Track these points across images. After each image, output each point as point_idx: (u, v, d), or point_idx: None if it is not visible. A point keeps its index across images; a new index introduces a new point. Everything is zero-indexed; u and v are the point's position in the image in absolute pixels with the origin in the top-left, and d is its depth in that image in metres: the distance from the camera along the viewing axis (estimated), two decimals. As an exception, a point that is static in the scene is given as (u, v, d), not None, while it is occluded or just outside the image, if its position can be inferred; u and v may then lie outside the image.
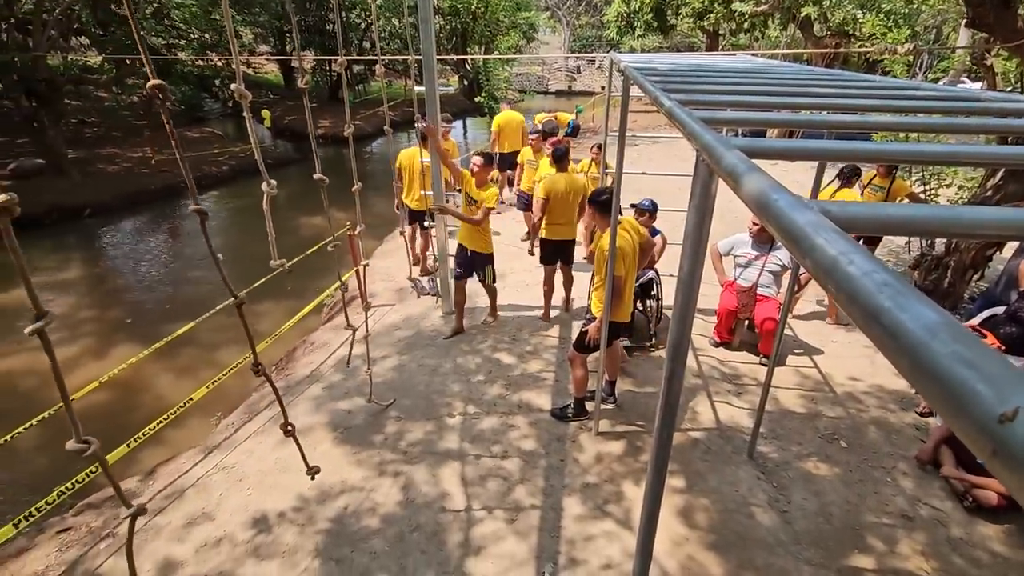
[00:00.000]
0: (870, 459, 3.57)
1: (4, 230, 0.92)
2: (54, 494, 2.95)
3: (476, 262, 4.80)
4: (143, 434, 3.44)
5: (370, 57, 15.83)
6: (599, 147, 5.82)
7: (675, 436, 3.76)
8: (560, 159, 5.00)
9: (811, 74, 2.24)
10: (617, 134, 2.96)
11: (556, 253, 5.11)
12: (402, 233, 5.73)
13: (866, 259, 0.38)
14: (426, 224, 5.72)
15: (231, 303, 1.63)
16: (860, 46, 10.65)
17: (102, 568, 2.86)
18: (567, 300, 5.49)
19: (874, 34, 8.11)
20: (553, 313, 5.34)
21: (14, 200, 0.91)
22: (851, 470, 3.48)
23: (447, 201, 5.11)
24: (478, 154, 4.61)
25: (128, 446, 3.36)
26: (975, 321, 4.04)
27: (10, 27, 10.95)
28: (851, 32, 11.73)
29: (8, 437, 3.17)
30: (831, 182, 5.27)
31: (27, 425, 3.28)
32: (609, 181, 5.84)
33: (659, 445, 1.26)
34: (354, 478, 3.41)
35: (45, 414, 3.41)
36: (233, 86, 1.72)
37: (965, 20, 4.77)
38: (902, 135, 5.33)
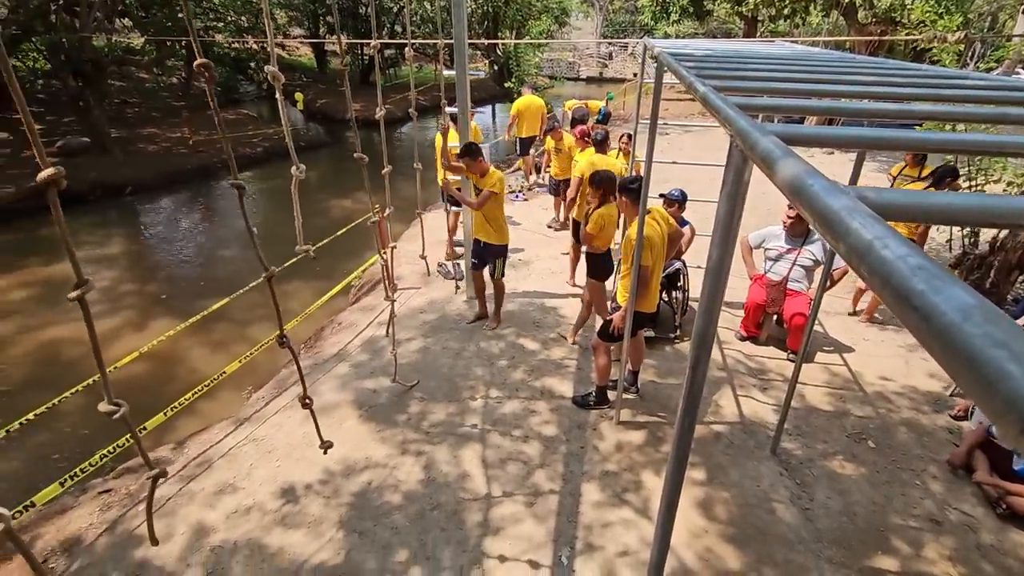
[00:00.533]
0: (899, 460, 3.50)
1: (52, 202, 0.98)
2: (97, 456, 3.11)
3: (488, 253, 4.71)
4: (178, 404, 3.58)
5: (401, 41, 15.87)
6: (629, 137, 5.78)
7: (697, 428, 3.73)
8: (601, 143, 5.08)
9: (853, 62, 2.17)
10: (648, 122, 2.92)
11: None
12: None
13: (901, 243, 0.38)
14: (450, 207, 5.86)
15: (263, 277, 1.69)
16: (907, 33, 10.19)
17: (139, 530, 3.01)
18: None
19: (923, 21, 7.74)
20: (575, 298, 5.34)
21: (62, 173, 0.96)
22: (878, 471, 3.41)
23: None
24: (463, 152, 4.38)
25: (165, 415, 3.51)
26: (1019, 323, 3.89)
27: (59, 8, 11.30)
28: (898, 19, 11.21)
29: (56, 401, 3.34)
30: (927, 185, 4.85)
31: (73, 390, 3.45)
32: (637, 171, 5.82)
33: (681, 434, 1.27)
34: (378, 455, 3.49)
35: (90, 380, 3.58)
36: (267, 68, 1.75)
37: (1023, 7, 4.51)
38: (948, 126, 5.09)
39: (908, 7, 10.41)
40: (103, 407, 1.18)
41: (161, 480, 1.34)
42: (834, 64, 2.07)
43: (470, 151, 4.37)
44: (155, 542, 1.45)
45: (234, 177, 1.43)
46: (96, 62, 11.32)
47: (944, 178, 4.75)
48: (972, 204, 0.49)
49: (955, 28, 6.67)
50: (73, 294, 1.07)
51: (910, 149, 0.82)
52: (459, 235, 6.22)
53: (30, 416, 3.23)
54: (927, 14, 7.33)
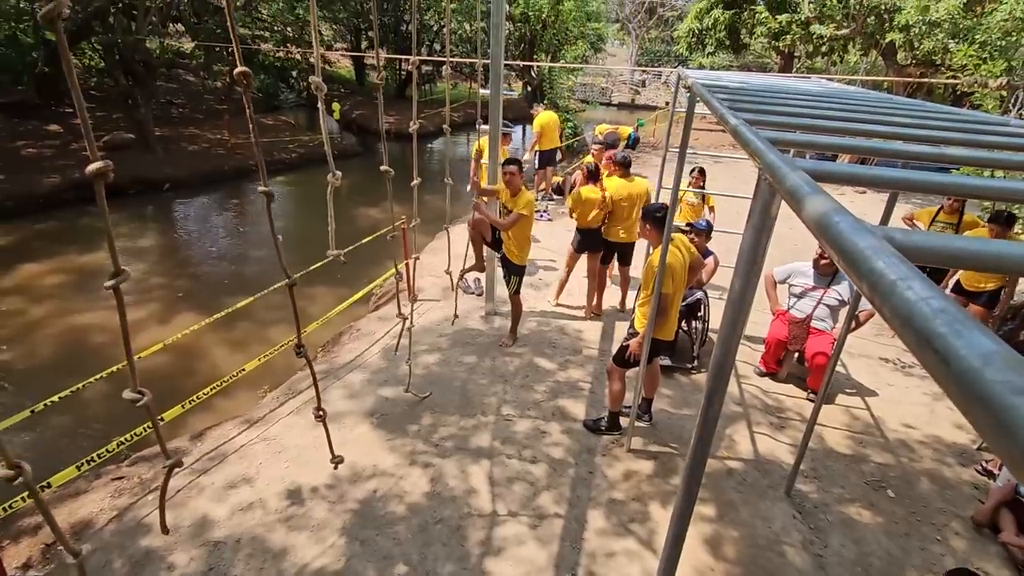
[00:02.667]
0: (919, 513, 3.36)
1: (98, 193, 1.02)
2: (114, 443, 3.18)
3: (506, 267, 4.76)
4: (196, 398, 3.64)
5: (439, 58, 16.24)
6: (701, 171, 5.74)
7: (709, 463, 3.66)
8: (625, 166, 5.27)
9: (889, 102, 2.15)
10: (678, 150, 2.93)
11: (611, 252, 5.38)
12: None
13: (925, 286, 0.38)
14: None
15: (284, 284, 1.71)
16: (948, 77, 10.06)
17: (148, 518, 3.05)
18: (623, 300, 5.73)
19: (965, 65, 7.64)
20: (592, 317, 5.32)
21: (109, 167, 1.01)
22: (897, 522, 3.28)
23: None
24: (508, 161, 4.51)
25: (183, 407, 3.57)
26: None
27: (117, 11, 11.88)
28: (939, 62, 11.09)
29: (80, 386, 3.43)
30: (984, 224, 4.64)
31: (96, 377, 3.54)
32: (707, 211, 5.87)
33: (692, 466, 1.25)
34: (386, 464, 3.50)
35: (114, 368, 3.67)
36: (311, 78, 1.82)
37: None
38: (986, 172, 4.99)
39: (950, 51, 10.30)
40: (128, 394, 1.21)
41: (177, 470, 1.36)
42: (870, 103, 2.06)
43: (517, 162, 4.53)
44: (166, 531, 1.47)
45: (264, 184, 1.44)
46: (147, 63, 11.83)
47: (1000, 220, 4.57)
48: (1000, 250, 0.49)
49: (998, 74, 6.56)
50: (109, 282, 1.12)
51: (943, 193, 0.81)
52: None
53: (55, 398, 3.32)
54: (970, 58, 7.23)
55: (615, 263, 5.58)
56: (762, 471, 3.62)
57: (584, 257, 5.44)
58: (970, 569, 2.78)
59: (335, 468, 2.32)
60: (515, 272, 4.72)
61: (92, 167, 1.00)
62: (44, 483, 2.91)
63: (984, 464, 3.75)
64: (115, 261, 1.12)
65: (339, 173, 1.92)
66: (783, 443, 3.90)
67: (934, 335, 0.33)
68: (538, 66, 15.76)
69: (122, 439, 3.19)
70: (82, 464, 3.00)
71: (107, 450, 3.08)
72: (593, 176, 5.20)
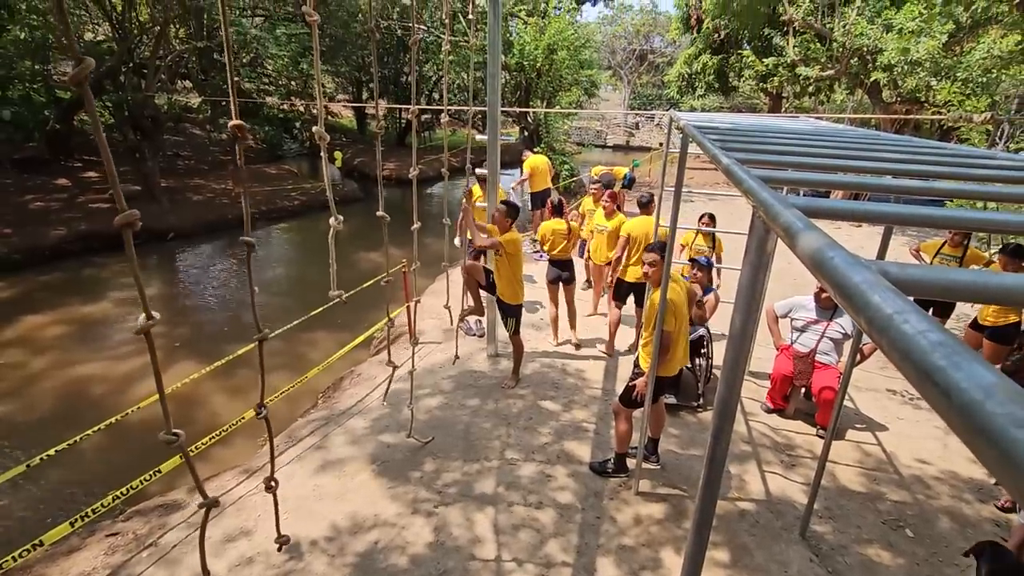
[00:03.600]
0: (940, 553, 3.24)
1: (127, 241, 1.06)
2: (109, 497, 3.10)
3: (500, 309, 4.82)
4: (194, 448, 3.58)
5: (437, 107, 16.77)
6: (711, 217, 5.77)
7: (721, 505, 3.56)
8: (646, 205, 5.57)
9: (877, 138, 2.21)
10: (673, 189, 2.98)
11: (629, 292, 5.42)
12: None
13: (921, 318, 0.38)
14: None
15: (254, 340, 1.64)
16: (933, 113, 10.34)
17: (143, 575, 2.95)
18: (637, 340, 5.64)
19: (949, 101, 7.87)
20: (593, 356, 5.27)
21: (136, 215, 1.04)
22: (918, 563, 3.16)
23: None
24: (502, 202, 4.71)
25: (181, 458, 3.50)
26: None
27: (128, 71, 12.36)
28: (923, 99, 11.43)
29: (78, 439, 3.38)
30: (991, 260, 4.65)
31: (93, 429, 3.49)
32: (714, 257, 5.95)
33: (702, 507, 1.21)
34: (388, 513, 3.40)
35: (114, 419, 3.63)
36: (315, 128, 1.88)
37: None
38: (979, 204, 5.06)
39: (934, 88, 10.63)
40: (163, 436, 1.24)
41: (214, 511, 1.34)
42: (859, 140, 2.11)
43: (513, 209, 4.68)
44: (207, 573, 1.45)
45: (246, 234, 1.45)
46: (155, 119, 12.21)
47: (1007, 251, 4.56)
48: (995, 282, 0.49)
49: (982, 109, 6.75)
50: (139, 326, 1.15)
51: (932, 226, 0.82)
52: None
53: (51, 452, 3.27)
54: (953, 95, 7.45)
55: (631, 302, 5.56)
56: (775, 512, 3.51)
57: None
58: (996, 541, 2.71)
59: (279, 550, 2.13)
60: (510, 313, 4.74)
61: (120, 218, 1.04)
62: (37, 541, 2.83)
63: (1003, 502, 3.64)
64: (145, 306, 1.16)
65: (340, 218, 1.96)
66: (795, 482, 3.80)
67: (933, 368, 0.33)
68: (534, 112, 16.26)
69: (118, 493, 3.12)
70: (75, 520, 2.92)
71: (102, 504, 3.00)
72: (557, 210, 5.64)
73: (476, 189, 6.54)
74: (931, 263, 5.14)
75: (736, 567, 3.08)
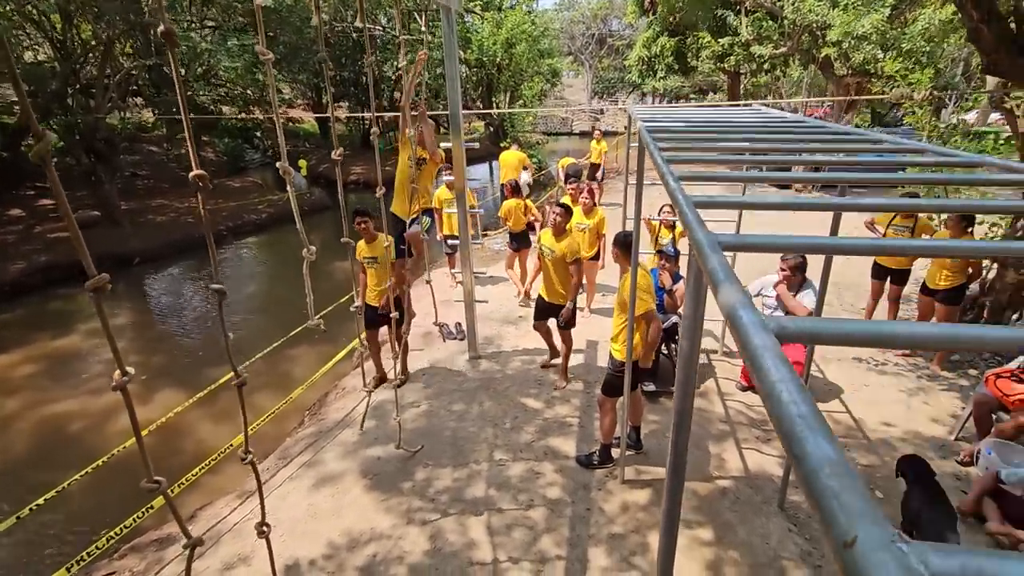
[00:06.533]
0: (908, 511, 3.46)
1: (97, 306, 1.11)
2: (103, 538, 3.11)
3: (545, 310, 4.97)
4: (184, 480, 3.59)
5: (396, 113, 16.68)
6: (671, 207, 5.95)
7: (703, 484, 3.72)
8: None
9: (815, 127, 2.34)
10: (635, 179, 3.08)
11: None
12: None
13: (796, 390, 0.48)
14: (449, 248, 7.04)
15: (233, 384, 1.54)
16: (879, 90, 10.72)
17: (143, 613, 2.97)
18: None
19: (893, 76, 8.19)
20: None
21: (106, 279, 1.09)
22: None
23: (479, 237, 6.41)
24: (559, 204, 4.88)
25: (171, 492, 3.51)
26: (1012, 366, 3.94)
27: (75, 91, 11.96)
28: (872, 72, 11.81)
29: (66, 485, 3.36)
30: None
31: (81, 473, 3.47)
32: (685, 245, 6.10)
33: (671, 491, 1.25)
34: (383, 525, 3.47)
35: (100, 461, 3.61)
36: (279, 164, 1.91)
37: (981, 67, 4.82)
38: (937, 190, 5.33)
39: (880, 61, 10.99)
40: (145, 484, 1.26)
41: (199, 549, 1.38)
42: (805, 132, 2.24)
43: (570, 210, 5.00)
44: None
45: (216, 281, 1.40)
46: (109, 140, 11.88)
47: (956, 220, 4.83)
48: (865, 330, 0.60)
49: (926, 81, 7.03)
50: (116, 383, 1.18)
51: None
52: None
53: (40, 501, 3.25)
54: (897, 70, 7.75)
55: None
56: (754, 487, 3.69)
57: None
58: (914, 454, 3.33)
59: None
60: (551, 313, 4.88)
61: (90, 283, 1.08)
62: (32, 589, 2.83)
63: (963, 456, 3.88)
64: (119, 363, 1.17)
65: (313, 248, 1.96)
66: (771, 456, 3.99)
67: (794, 436, 0.43)
68: (497, 112, 16.29)
69: (112, 533, 3.13)
70: (72, 565, 2.93)
71: (97, 547, 3.01)
72: (516, 191, 7.07)
73: (443, 191, 6.65)
74: (884, 234, 5.37)
75: (721, 544, 3.25)
